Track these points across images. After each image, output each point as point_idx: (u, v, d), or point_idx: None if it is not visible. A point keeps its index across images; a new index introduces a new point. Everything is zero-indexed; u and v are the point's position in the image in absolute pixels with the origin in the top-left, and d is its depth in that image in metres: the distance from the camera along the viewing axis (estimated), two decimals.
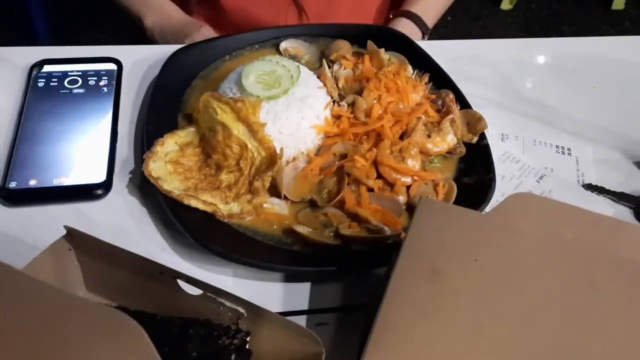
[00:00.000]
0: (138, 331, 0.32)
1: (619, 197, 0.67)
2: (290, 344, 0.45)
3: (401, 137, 0.65)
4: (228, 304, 0.47)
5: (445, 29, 2.26)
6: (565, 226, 0.45)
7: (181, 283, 0.48)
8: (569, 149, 0.72)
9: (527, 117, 0.76)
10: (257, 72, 0.65)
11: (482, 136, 0.68)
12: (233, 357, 0.43)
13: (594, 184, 0.68)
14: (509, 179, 0.68)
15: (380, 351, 0.44)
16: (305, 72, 0.68)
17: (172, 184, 0.59)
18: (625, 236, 0.44)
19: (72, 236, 0.49)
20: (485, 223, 0.46)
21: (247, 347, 0.44)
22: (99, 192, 0.61)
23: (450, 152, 0.66)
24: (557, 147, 0.73)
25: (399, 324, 0.45)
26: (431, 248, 0.46)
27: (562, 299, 0.43)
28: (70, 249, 0.50)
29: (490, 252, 0.45)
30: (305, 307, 0.55)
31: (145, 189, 0.62)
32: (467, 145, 0.68)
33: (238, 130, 0.61)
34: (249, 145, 0.61)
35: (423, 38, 0.97)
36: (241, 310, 0.47)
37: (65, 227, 0.48)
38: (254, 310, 0.46)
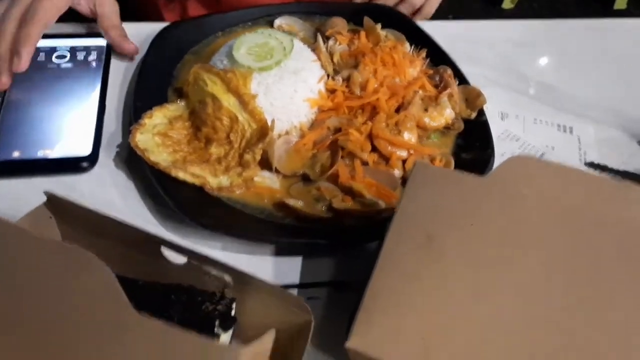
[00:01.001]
0: (102, 267, 0.30)
1: (622, 175, 0.65)
2: (278, 313, 0.43)
3: (397, 111, 0.63)
4: (214, 272, 0.45)
5: None
6: (567, 189, 0.42)
7: (166, 253, 0.46)
8: (570, 128, 0.70)
9: (528, 97, 0.74)
10: (249, 44, 0.63)
11: (481, 112, 0.66)
12: (217, 323, 0.40)
13: (596, 162, 0.66)
14: (508, 156, 0.66)
15: (371, 317, 0.42)
16: (299, 45, 0.66)
17: (159, 156, 0.57)
18: (631, 199, 0.42)
19: (53, 203, 0.47)
20: (483, 187, 0.44)
21: (232, 313, 0.42)
22: (85, 164, 0.59)
23: (447, 128, 0.64)
24: (559, 125, 0.71)
25: (391, 290, 0.43)
26: (425, 213, 0.44)
27: (564, 265, 0.41)
28: (50, 217, 0.48)
29: (488, 217, 0.43)
30: (296, 281, 0.53)
31: (133, 163, 0.60)
32: (466, 121, 0.66)
33: (228, 102, 0.59)
34: (240, 118, 0.59)
35: None
36: (227, 279, 0.45)
37: (45, 192, 0.46)
38: (241, 279, 0.44)
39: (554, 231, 0.42)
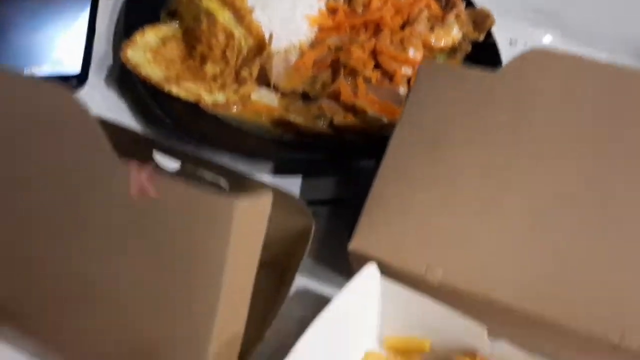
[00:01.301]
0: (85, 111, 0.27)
1: None
2: (277, 217, 0.41)
3: (402, 29, 0.60)
4: (209, 177, 0.42)
5: None
6: (587, 81, 0.39)
7: (159, 158, 0.44)
8: None
9: (537, 25, 0.71)
10: None
11: (489, 34, 0.63)
12: None
13: None
14: None
15: (374, 219, 0.40)
16: None
17: (151, 72, 0.54)
18: None
19: None
20: (495, 83, 0.41)
21: None
22: (74, 83, 0.56)
23: (454, 50, 0.61)
24: None
25: (395, 193, 0.40)
26: (431, 114, 0.42)
27: (583, 167, 0.38)
28: None
29: (499, 115, 0.41)
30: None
31: (124, 82, 0.58)
32: (474, 45, 0.63)
33: (224, 17, 0.56)
34: (236, 33, 0.56)
35: None
36: (223, 184, 0.42)
37: None
38: (238, 181, 0.42)
39: (573, 131, 0.39)
